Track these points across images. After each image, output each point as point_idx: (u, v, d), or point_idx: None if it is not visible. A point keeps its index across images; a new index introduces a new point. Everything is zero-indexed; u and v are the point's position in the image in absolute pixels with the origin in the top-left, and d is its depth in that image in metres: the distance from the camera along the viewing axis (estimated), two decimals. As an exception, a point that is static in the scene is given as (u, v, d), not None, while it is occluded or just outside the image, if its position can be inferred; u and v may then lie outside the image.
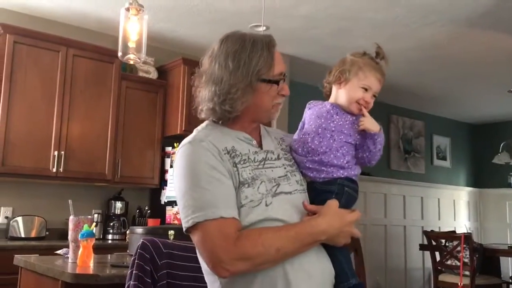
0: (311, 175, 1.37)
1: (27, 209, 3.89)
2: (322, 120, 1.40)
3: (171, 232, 2.49)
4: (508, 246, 5.46)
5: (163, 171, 4.41)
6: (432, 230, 5.78)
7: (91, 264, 2.17)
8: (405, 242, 6.51)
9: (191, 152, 1.26)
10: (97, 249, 2.26)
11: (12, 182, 3.89)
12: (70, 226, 2.28)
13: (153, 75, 4.50)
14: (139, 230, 2.63)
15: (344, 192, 1.35)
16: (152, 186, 4.42)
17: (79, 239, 2.18)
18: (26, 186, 3.97)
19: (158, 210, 4.34)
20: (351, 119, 1.39)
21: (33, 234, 3.78)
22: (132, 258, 1.62)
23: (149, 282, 1.58)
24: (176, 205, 4.15)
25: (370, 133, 1.36)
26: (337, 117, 1.39)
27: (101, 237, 4.17)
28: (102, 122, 4.06)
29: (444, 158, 7.54)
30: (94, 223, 2.28)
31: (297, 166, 1.39)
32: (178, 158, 1.29)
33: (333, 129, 1.38)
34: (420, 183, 6.90)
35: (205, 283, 1.34)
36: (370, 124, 1.37)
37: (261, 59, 1.29)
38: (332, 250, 1.32)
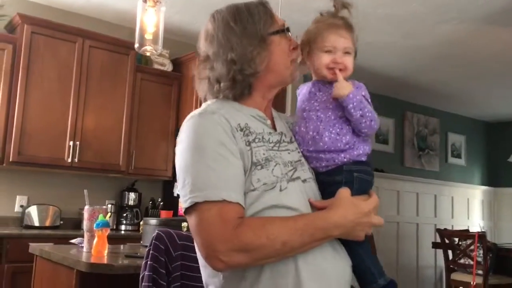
0: (312, 165, 1.23)
1: (42, 198, 3.94)
2: (306, 103, 1.27)
3: (185, 224, 2.50)
4: (522, 246, 5.39)
5: (176, 164, 4.42)
6: (445, 229, 5.74)
7: (106, 254, 2.19)
8: (418, 240, 6.47)
9: (199, 125, 1.12)
10: (110, 239, 2.28)
11: (28, 171, 3.93)
12: (85, 216, 2.30)
13: (168, 67, 4.51)
14: (153, 221, 2.65)
15: (354, 178, 1.19)
16: (165, 178, 4.45)
17: (94, 229, 2.20)
18: (41, 176, 4.02)
19: (171, 202, 4.36)
20: None
21: (47, 223, 3.82)
22: (147, 249, 1.63)
23: (163, 273, 1.59)
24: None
25: (340, 101, 1.20)
26: (320, 93, 1.26)
27: (114, 227, 4.20)
28: (117, 114, 4.08)
29: (459, 156, 7.46)
30: (109, 213, 2.29)
31: None
32: (184, 130, 1.15)
33: (317, 108, 1.24)
34: (434, 181, 6.84)
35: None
36: (337, 89, 1.20)
37: (262, 15, 1.21)
38: (352, 245, 1.18)
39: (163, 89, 4.42)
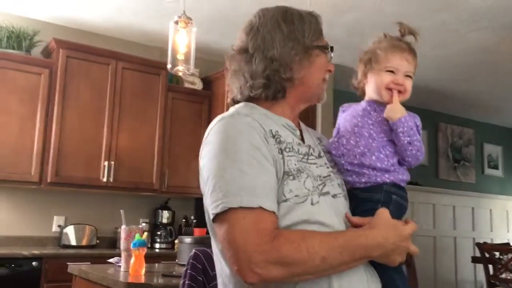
0: (350, 179, 1.20)
1: (78, 218, 4.02)
2: (358, 119, 1.24)
3: (219, 242, 2.50)
4: None
5: (208, 181, 4.44)
6: (485, 242, 5.56)
7: (143, 273, 2.20)
8: (456, 254, 6.28)
9: (232, 127, 1.05)
10: (145, 258, 2.29)
11: (65, 192, 4.02)
12: (122, 235, 2.32)
13: (199, 86, 4.57)
14: (188, 239, 2.65)
15: (392, 200, 1.16)
16: (197, 195, 4.46)
17: (131, 248, 2.22)
18: (78, 196, 4.10)
19: (204, 219, 4.36)
20: None
21: (84, 242, 3.88)
22: (185, 268, 1.64)
23: (201, 292, 1.59)
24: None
25: (391, 123, 1.18)
26: (375, 113, 1.23)
27: (149, 246, 4.23)
28: (150, 133, 4.15)
29: (496, 167, 7.25)
30: (145, 233, 2.31)
31: (338, 169, 1.22)
32: (214, 132, 1.08)
33: (371, 126, 1.21)
34: (470, 193, 6.66)
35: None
36: (390, 110, 1.18)
37: (312, 26, 1.18)
38: (385, 268, 1.12)
39: (194, 108, 4.47)
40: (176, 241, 3.05)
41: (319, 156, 1.19)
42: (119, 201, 4.15)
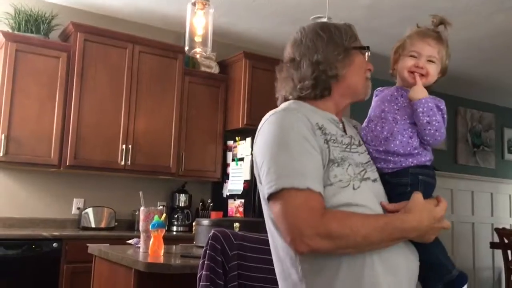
0: (379, 165, 1.30)
1: (97, 201, 4.06)
2: (386, 104, 1.34)
3: (236, 224, 2.51)
4: None
5: (225, 165, 4.46)
6: (503, 228, 5.50)
7: (162, 254, 2.22)
8: (474, 240, 6.23)
9: (284, 120, 1.21)
10: (163, 240, 2.31)
11: (84, 175, 4.07)
12: (141, 217, 2.34)
13: (215, 69, 4.55)
14: (205, 222, 2.67)
15: (419, 181, 1.26)
16: (214, 179, 4.49)
17: (150, 229, 2.24)
18: (96, 179, 4.15)
19: (220, 203, 4.40)
20: None
21: (103, 225, 3.94)
22: (204, 249, 1.65)
23: (220, 272, 1.60)
24: (238, 198, 4.22)
25: (411, 103, 1.27)
26: (402, 99, 1.32)
27: (166, 228, 4.27)
28: (167, 117, 4.16)
29: (516, 152, 7.13)
30: (164, 214, 2.33)
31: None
32: (268, 123, 1.24)
33: (396, 111, 1.30)
34: (490, 178, 6.57)
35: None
36: (412, 91, 1.27)
37: (348, 31, 1.35)
38: (423, 245, 1.24)
39: (210, 91, 4.47)
40: (193, 224, 3.07)
41: (360, 144, 1.32)
42: (137, 184, 4.18)
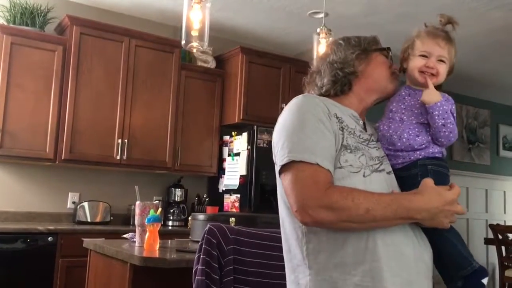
0: (390, 162, 1.33)
1: (92, 195, 4.06)
2: (394, 104, 1.37)
3: (232, 219, 2.51)
4: None
5: (221, 160, 4.46)
6: (498, 224, 5.53)
7: (157, 248, 2.22)
8: (468, 235, 6.26)
9: (303, 103, 1.29)
10: (159, 234, 2.31)
11: (79, 169, 4.06)
12: (137, 211, 2.34)
13: (212, 64, 4.54)
14: (201, 216, 2.67)
15: (428, 171, 1.27)
16: (210, 174, 4.48)
17: (146, 223, 2.24)
18: (92, 173, 4.14)
19: (216, 197, 4.40)
20: None
21: (98, 219, 3.93)
22: (200, 243, 1.65)
23: (216, 266, 1.60)
24: (233, 193, 4.22)
25: (427, 107, 1.28)
26: (409, 98, 1.35)
27: (162, 223, 4.27)
28: (163, 111, 4.15)
29: (511, 149, 7.16)
30: (160, 209, 2.33)
31: None
32: (288, 106, 1.32)
33: (403, 111, 1.33)
34: (484, 175, 6.60)
35: (272, 269, 1.33)
36: (426, 95, 1.28)
37: (368, 38, 1.42)
38: (439, 233, 1.24)
39: (207, 86, 4.46)
40: (189, 218, 3.07)
41: (378, 141, 1.37)
42: (133, 178, 4.18)
